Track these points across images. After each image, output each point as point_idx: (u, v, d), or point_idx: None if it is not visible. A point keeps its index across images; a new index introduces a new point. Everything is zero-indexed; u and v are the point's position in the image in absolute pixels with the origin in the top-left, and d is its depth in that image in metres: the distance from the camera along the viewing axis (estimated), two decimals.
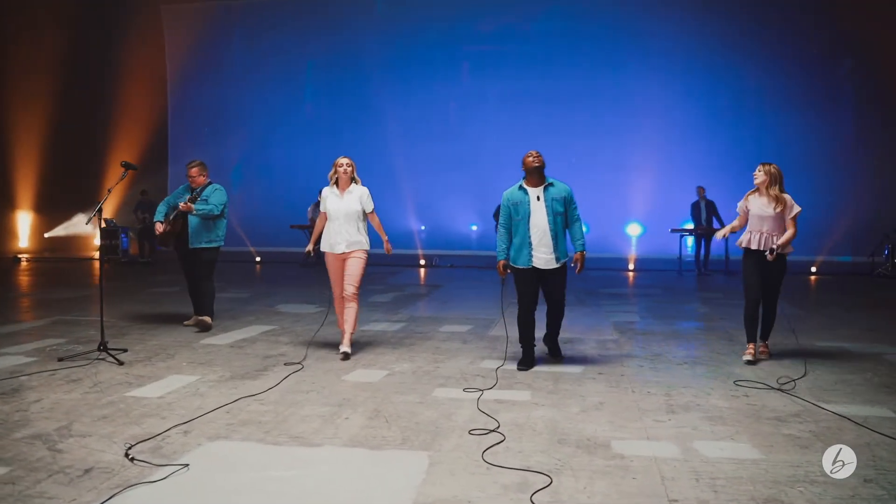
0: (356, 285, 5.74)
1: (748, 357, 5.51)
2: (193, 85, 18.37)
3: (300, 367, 5.30)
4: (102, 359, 5.39)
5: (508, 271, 5.36)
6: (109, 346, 5.52)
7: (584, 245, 5.29)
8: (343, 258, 5.77)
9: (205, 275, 6.77)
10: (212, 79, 18.18)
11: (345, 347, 5.70)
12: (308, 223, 14.77)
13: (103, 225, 6.44)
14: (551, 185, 5.19)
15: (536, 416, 4.11)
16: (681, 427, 3.91)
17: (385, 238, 5.89)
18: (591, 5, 16.31)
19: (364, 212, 5.80)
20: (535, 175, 5.15)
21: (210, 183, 6.78)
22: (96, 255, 16.35)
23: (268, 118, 17.74)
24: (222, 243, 6.87)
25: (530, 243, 5.16)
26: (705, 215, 13.13)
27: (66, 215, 17.79)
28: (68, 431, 3.70)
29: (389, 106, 17.05)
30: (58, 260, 15.65)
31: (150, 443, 3.55)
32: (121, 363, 5.26)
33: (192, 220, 6.61)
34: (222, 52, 18.32)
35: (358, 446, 3.57)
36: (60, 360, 5.34)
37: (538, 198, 5.14)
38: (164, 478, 3.09)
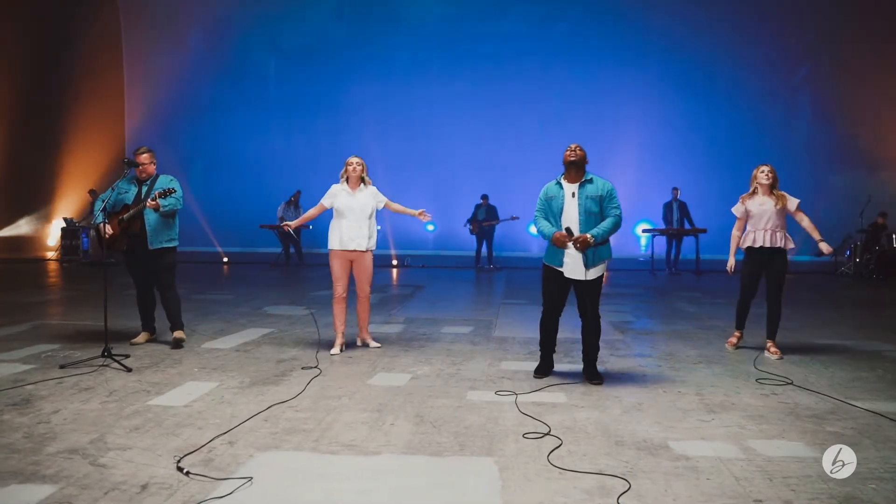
0: (371, 283, 5.95)
1: (730, 347, 6.09)
2: (152, 81, 17.74)
3: (318, 371, 5.13)
4: (106, 365, 5.11)
5: (566, 237, 4.75)
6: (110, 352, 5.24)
7: (598, 236, 4.71)
8: (352, 257, 5.78)
9: (169, 281, 5.97)
10: (172, 73, 17.59)
11: (373, 343, 6.03)
12: (278, 222, 14.45)
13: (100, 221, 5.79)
14: (589, 181, 4.86)
15: (582, 418, 4.07)
16: (727, 426, 3.93)
17: (416, 212, 6.06)
18: (558, 8, 16.49)
19: (376, 210, 5.92)
20: (572, 170, 4.87)
21: (159, 174, 5.93)
22: (49, 255, 15.62)
23: (231, 114, 17.28)
24: (178, 242, 6.04)
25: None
26: (677, 216, 13.41)
27: (11, 216, 16.94)
28: (105, 444, 3.47)
29: (356, 103, 16.90)
30: (8, 261, 14.86)
31: (197, 455, 3.36)
32: (129, 370, 4.99)
33: (151, 218, 5.73)
34: (183, 47, 17.76)
35: (417, 453, 3.45)
36: (62, 367, 5.03)
37: (573, 194, 4.86)
38: (230, 493, 2.92)
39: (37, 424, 3.77)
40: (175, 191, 5.67)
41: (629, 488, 3.03)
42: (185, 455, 3.34)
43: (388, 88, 16.93)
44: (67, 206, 16.47)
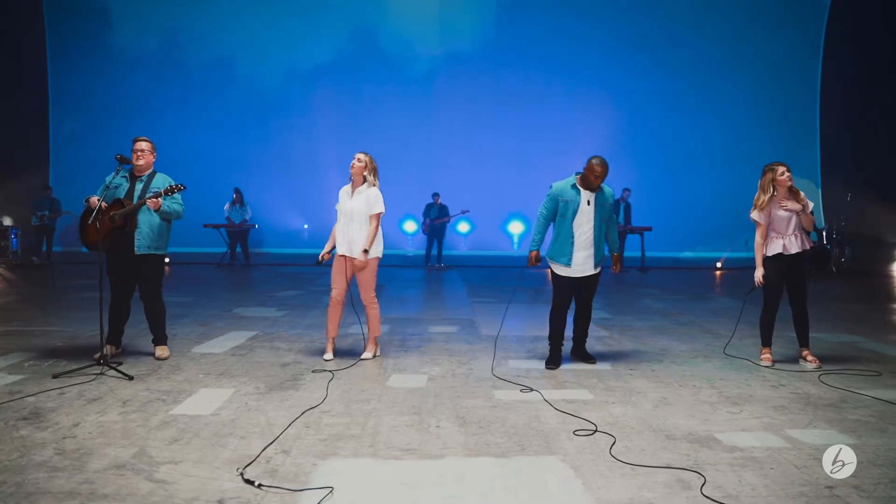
0: (370, 290, 5.59)
1: (767, 363, 5.43)
2: (79, 72, 16.65)
3: (332, 375, 4.99)
4: (103, 373, 4.78)
5: (539, 263, 5.38)
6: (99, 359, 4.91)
7: (618, 248, 5.55)
8: (348, 261, 5.46)
9: (154, 292, 5.38)
10: (100, 69, 16.58)
11: (367, 354, 5.62)
12: (226, 222, 13.95)
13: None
14: (601, 190, 5.27)
15: (618, 413, 4.13)
16: (759, 417, 4.08)
17: (364, 248, 5.36)
18: (505, 12, 16.67)
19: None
20: (597, 184, 5.21)
21: (156, 171, 5.37)
22: None
23: (162, 112, 16.43)
24: (167, 251, 5.49)
25: (573, 243, 5.18)
26: (623, 215, 13.81)
27: None
28: (150, 458, 3.25)
29: (294, 100, 16.57)
30: None
31: (257, 466, 3.19)
32: (130, 378, 4.68)
33: (142, 219, 5.18)
34: (111, 42, 16.76)
35: (481, 455, 3.41)
36: (56, 376, 4.66)
37: (588, 202, 5.19)
38: None
39: (62, 440, 3.48)
40: (184, 188, 5.19)
41: (706, 481, 3.10)
42: (246, 466, 3.17)
43: (331, 86, 16.65)
44: (12, 204, 15.21)
